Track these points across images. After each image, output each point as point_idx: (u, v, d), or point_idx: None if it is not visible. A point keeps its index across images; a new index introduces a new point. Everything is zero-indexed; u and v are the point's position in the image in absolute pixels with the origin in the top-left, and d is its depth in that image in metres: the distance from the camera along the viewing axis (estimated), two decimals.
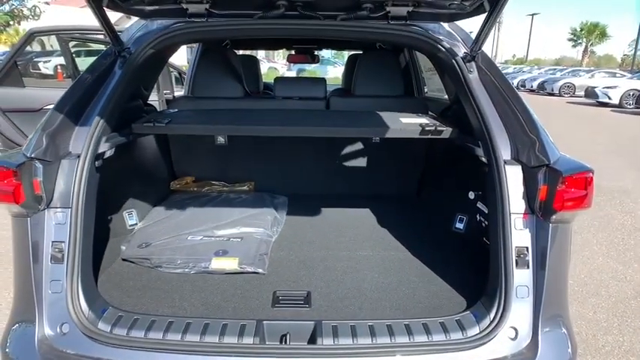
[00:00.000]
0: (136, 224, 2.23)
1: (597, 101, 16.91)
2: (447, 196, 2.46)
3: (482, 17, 1.98)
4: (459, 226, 2.26)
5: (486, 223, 1.97)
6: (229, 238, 2.05)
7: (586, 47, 42.89)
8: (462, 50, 1.93)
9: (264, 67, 17.56)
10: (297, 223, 2.38)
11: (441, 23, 2.05)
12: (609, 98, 16.31)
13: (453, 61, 1.90)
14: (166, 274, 1.82)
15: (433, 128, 1.97)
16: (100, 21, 1.76)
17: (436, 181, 2.70)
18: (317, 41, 4.20)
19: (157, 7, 1.94)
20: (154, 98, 3.94)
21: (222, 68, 2.62)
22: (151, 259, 1.87)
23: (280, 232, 2.23)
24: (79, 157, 1.54)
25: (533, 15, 51.59)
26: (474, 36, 1.90)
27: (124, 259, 1.92)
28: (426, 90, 3.90)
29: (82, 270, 1.48)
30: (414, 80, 3.82)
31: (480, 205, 2.06)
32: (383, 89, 2.65)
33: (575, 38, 43.25)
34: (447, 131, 1.99)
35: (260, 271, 1.81)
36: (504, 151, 1.61)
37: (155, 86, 4.21)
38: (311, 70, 14.42)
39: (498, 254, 1.53)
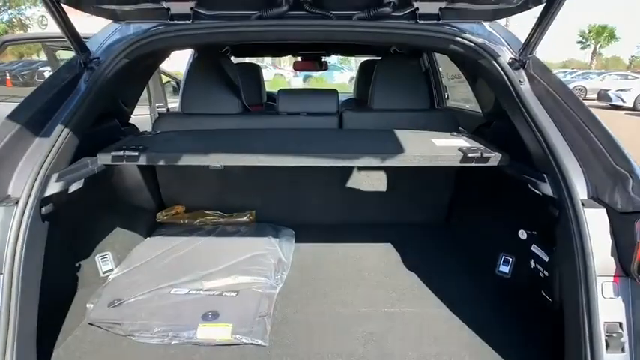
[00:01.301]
0: (112, 270, 1.84)
1: (610, 104, 16.41)
2: (486, 230, 2.05)
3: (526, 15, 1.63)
4: (504, 269, 1.85)
5: (547, 273, 1.56)
6: (222, 292, 1.65)
7: (594, 49, 42.29)
8: (507, 55, 1.55)
9: (269, 74, 17.11)
10: (307, 265, 1.98)
11: (482, 22, 1.67)
12: (623, 101, 15.85)
13: (499, 68, 1.52)
14: (140, 344, 1.42)
15: (478, 155, 1.56)
16: (60, 23, 1.39)
17: (471, 209, 2.29)
18: (326, 46, 3.82)
19: (132, 6, 1.57)
20: (144, 112, 3.58)
21: (216, 79, 2.23)
22: (123, 324, 1.48)
23: (286, 279, 1.83)
24: (17, 203, 1.16)
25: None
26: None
27: (90, 323, 1.53)
28: (448, 99, 3.50)
29: (21, 351, 1.10)
30: (434, 89, 3.42)
31: (535, 248, 1.65)
32: (406, 101, 2.25)
33: (583, 40, 42.66)
34: (495, 158, 1.58)
35: (259, 342, 1.41)
36: (580, 189, 1.21)
37: (149, 99, 3.89)
38: (318, 76, 14.03)
39: (580, 331, 1.12)
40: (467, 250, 2.11)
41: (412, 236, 2.28)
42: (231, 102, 2.23)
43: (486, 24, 1.67)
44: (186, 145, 1.76)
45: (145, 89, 3.29)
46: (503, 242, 1.88)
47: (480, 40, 1.58)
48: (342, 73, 18.01)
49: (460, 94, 3.35)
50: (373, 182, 2.44)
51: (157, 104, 3.73)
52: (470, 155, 1.56)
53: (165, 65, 3.34)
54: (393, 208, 2.46)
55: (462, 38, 1.57)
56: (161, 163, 1.59)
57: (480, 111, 2.33)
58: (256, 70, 3.39)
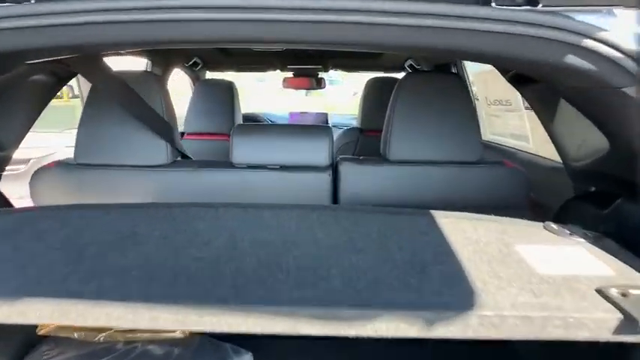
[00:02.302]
0: None
1: None
2: None
3: None
4: None
5: None
6: None
7: None
8: None
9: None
10: None
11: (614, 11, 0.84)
12: None
13: None
14: None
15: None
16: None
17: None
18: (324, 57, 2.97)
19: None
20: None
21: (126, 109, 1.36)
22: None
23: None
24: None
25: None
26: None
27: None
28: (483, 132, 2.63)
29: None
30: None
31: None
32: (447, 149, 1.39)
33: None
34: None
35: None
36: None
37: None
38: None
39: None
40: None
41: None
42: (152, 146, 1.37)
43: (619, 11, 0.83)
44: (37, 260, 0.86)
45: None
46: None
47: (631, 47, 0.74)
48: (339, 87, 15.20)
49: (501, 128, 2.48)
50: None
51: None
52: None
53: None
54: None
55: (606, 44, 0.72)
56: None
57: (561, 161, 1.45)
58: (228, 89, 2.54)
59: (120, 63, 2.67)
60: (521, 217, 1.51)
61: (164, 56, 2.54)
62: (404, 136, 1.41)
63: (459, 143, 1.41)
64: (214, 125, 2.47)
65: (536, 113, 1.67)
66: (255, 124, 1.43)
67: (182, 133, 2.60)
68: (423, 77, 1.47)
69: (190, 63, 2.91)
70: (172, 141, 1.39)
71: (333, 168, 1.46)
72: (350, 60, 3.23)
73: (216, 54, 2.78)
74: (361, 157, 1.51)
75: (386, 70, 3.35)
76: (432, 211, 1.05)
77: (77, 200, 1.38)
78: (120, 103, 1.31)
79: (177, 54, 2.65)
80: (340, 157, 1.51)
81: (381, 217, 1.02)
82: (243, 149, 1.41)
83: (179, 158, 1.49)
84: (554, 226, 0.99)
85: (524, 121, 2.06)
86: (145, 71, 1.40)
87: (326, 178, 1.42)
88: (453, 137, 1.41)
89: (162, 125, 1.36)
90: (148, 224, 0.92)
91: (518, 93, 1.78)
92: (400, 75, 3.45)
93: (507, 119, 2.27)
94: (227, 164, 1.42)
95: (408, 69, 3.07)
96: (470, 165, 1.43)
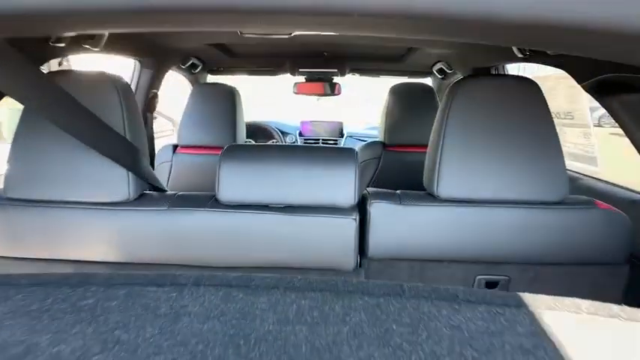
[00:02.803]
0: None
1: None
2: None
3: None
4: None
5: None
6: None
7: None
8: None
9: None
10: None
11: None
12: None
13: None
14: None
15: None
16: None
17: None
18: (340, 59, 2.58)
19: None
20: None
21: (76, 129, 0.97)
22: None
23: None
24: None
25: None
26: None
27: None
28: None
29: None
30: None
31: None
32: (523, 181, 1.00)
33: None
34: None
35: None
36: None
37: None
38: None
39: None
40: None
41: None
42: (110, 178, 0.98)
43: None
44: None
45: None
46: None
47: None
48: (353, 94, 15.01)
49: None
50: None
51: None
52: None
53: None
54: None
55: None
56: None
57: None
58: (229, 94, 2.15)
59: (101, 65, 2.30)
60: (623, 277, 1.11)
61: (155, 56, 2.17)
62: (461, 165, 1.02)
63: (539, 176, 1.01)
64: (212, 137, 2.09)
65: (626, 131, 1.26)
66: (250, 144, 1.02)
67: (175, 146, 2.22)
68: (487, 83, 1.07)
69: (188, 64, 2.54)
70: (137, 169, 1.00)
71: (359, 206, 1.07)
72: (369, 63, 2.83)
73: (217, 54, 2.40)
74: (398, 192, 1.11)
75: (410, 75, 2.94)
76: (520, 295, 0.64)
77: (3, 250, 1.00)
78: (59, 119, 0.92)
79: (170, 53, 2.27)
80: (369, 191, 1.11)
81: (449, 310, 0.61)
82: (234, 181, 1.01)
83: (148, 191, 1.11)
84: None
85: (589, 139, 1.65)
86: (100, 72, 1.02)
87: (350, 223, 1.03)
88: (531, 168, 1.01)
89: (123, 148, 0.98)
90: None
91: (582, 106, 1.35)
92: (426, 81, 3.06)
93: (566, 136, 1.86)
94: (212, 201, 1.04)
95: (437, 74, 2.67)
96: (552, 206, 1.03)
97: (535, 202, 1.02)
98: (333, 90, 3.03)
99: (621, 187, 1.52)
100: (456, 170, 1.02)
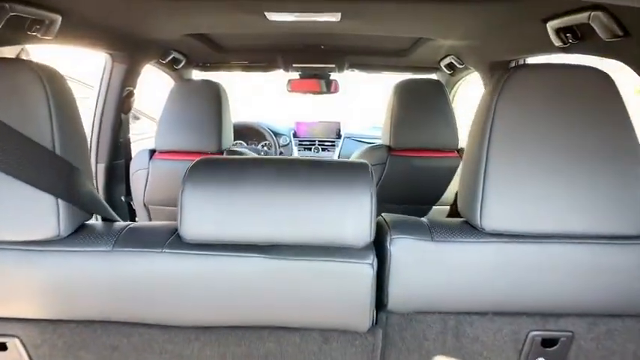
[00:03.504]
0: None
1: None
2: None
3: None
4: None
5: None
6: None
7: None
8: None
9: None
10: None
11: None
12: None
13: None
14: None
15: None
16: None
17: None
18: (338, 53, 2.33)
19: None
20: None
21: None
22: None
23: None
24: None
25: None
26: None
27: None
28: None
29: None
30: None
31: None
32: (592, 209, 0.74)
33: None
34: None
35: None
36: None
37: None
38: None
39: None
40: None
41: None
42: (31, 209, 0.72)
43: None
44: None
45: None
46: None
47: None
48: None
49: None
50: None
51: None
52: None
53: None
54: None
55: None
56: None
57: None
58: (213, 92, 1.88)
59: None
60: None
61: (128, 49, 1.90)
62: (512, 187, 0.75)
63: (615, 202, 0.75)
64: (193, 141, 1.82)
65: None
66: (226, 157, 0.76)
67: (152, 151, 1.96)
68: (548, 75, 0.78)
69: (169, 59, 2.27)
70: (72, 194, 0.75)
71: (378, 250, 0.81)
72: (370, 57, 2.57)
73: (201, 47, 2.13)
74: (425, 222, 0.83)
75: (416, 70, 2.67)
76: None
77: None
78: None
79: (146, 46, 2.00)
80: (387, 219, 0.84)
81: None
82: (203, 211, 0.74)
83: (88, 222, 0.82)
84: None
85: None
86: (17, 60, 0.75)
87: (365, 270, 0.75)
88: (604, 192, 0.75)
89: (49, 166, 0.72)
90: None
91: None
92: (433, 77, 2.81)
93: None
94: (173, 237, 0.77)
95: (445, 69, 2.41)
96: (631, 241, 0.77)
97: (609, 236, 0.77)
98: (329, 88, 2.78)
99: None
100: (506, 194, 0.76)
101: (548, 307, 0.80)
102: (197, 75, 2.86)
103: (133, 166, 1.98)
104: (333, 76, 2.77)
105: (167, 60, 2.26)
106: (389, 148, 1.99)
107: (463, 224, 0.82)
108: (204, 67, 2.72)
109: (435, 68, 2.57)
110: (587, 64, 0.81)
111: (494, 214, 0.76)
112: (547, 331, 0.83)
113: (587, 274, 0.77)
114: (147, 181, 1.93)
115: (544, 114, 0.77)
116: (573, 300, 0.79)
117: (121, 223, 0.83)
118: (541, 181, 0.76)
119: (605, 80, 0.78)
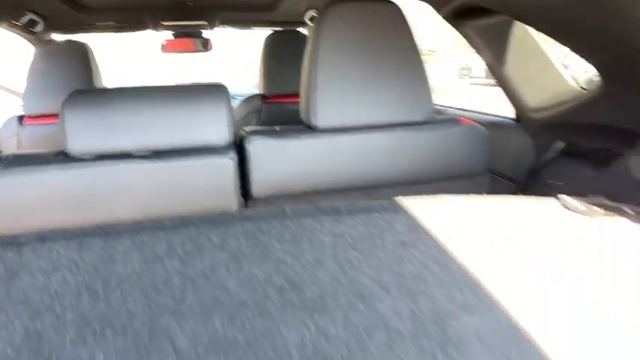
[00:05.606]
0: None
1: None
2: None
3: None
4: None
5: None
6: None
7: None
8: None
9: None
10: None
11: None
12: None
13: None
14: None
15: None
16: None
17: None
18: (208, 10, 2.40)
19: None
20: None
21: None
22: None
23: None
24: None
25: None
26: None
27: None
28: None
29: None
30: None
31: None
32: (392, 105, 1.03)
33: None
34: None
35: None
36: None
37: None
38: None
39: None
40: None
41: None
42: None
43: None
44: None
45: None
46: None
47: None
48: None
49: None
50: None
51: None
52: None
53: None
54: None
55: None
56: None
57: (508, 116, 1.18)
58: (80, 52, 1.87)
59: None
60: (484, 187, 1.22)
61: None
62: (335, 94, 1.00)
63: (406, 98, 1.04)
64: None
65: (483, 56, 1.37)
66: (103, 88, 0.88)
67: (21, 117, 1.90)
68: (352, 7, 1.04)
69: (25, 21, 2.14)
70: None
71: (237, 147, 1.01)
72: (239, 14, 2.68)
73: (59, 6, 2.05)
74: (277, 128, 1.07)
75: (283, 25, 2.85)
76: (397, 200, 0.65)
77: None
78: None
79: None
80: (246, 130, 1.05)
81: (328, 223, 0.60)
82: (86, 127, 0.87)
83: None
84: (576, 202, 0.65)
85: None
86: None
87: (227, 163, 0.96)
88: (398, 91, 1.03)
89: None
90: None
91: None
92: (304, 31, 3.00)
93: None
94: (61, 156, 0.88)
95: (310, 23, 2.63)
96: (420, 125, 1.08)
97: (405, 123, 1.06)
98: (205, 46, 2.84)
99: (481, 112, 1.67)
100: (331, 98, 1.01)
101: (369, 183, 1.08)
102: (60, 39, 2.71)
103: (1, 135, 1.91)
104: (206, 34, 2.83)
105: (23, 23, 2.14)
106: (263, 97, 2.17)
107: (304, 127, 1.07)
108: (67, 30, 2.59)
109: (302, 22, 2.77)
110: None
111: (324, 114, 1.01)
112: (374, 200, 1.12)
113: (393, 153, 1.06)
114: (18, 147, 1.89)
115: (355, 36, 1.02)
116: (385, 175, 1.08)
117: (5, 154, 0.91)
118: (356, 88, 1.02)
119: (396, 10, 1.06)
